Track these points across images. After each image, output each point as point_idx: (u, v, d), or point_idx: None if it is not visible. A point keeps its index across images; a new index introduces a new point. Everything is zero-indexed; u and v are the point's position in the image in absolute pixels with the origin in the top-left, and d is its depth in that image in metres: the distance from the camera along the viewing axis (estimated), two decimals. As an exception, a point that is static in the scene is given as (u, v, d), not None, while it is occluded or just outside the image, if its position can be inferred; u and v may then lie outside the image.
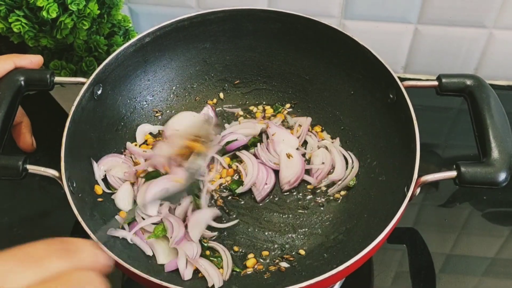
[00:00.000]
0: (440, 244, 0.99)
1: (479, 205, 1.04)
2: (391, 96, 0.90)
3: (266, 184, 0.98)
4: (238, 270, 0.89)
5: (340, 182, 0.98)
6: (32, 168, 0.79)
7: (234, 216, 0.96)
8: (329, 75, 1.03)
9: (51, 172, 0.79)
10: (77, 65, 1.03)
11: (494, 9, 1.15)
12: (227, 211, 0.96)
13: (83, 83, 0.88)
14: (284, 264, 0.90)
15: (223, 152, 1.02)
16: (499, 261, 0.97)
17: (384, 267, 0.96)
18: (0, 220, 1.03)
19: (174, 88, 1.08)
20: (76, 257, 0.47)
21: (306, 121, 1.06)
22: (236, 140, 1.02)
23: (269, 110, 1.09)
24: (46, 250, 0.46)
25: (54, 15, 0.92)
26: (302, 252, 0.91)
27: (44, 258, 0.45)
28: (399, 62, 1.28)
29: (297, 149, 1.02)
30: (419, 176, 0.78)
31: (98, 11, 0.98)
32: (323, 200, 0.97)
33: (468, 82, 0.86)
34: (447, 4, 1.14)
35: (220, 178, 1.00)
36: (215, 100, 1.10)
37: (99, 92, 0.92)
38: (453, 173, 0.78)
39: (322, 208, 0.96)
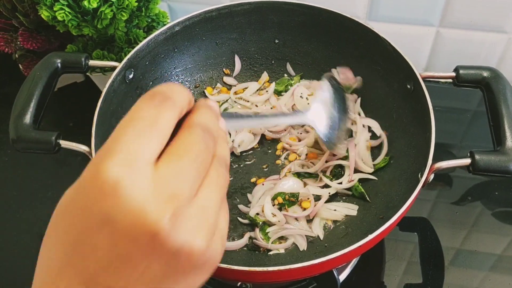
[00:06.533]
0: (451, 239, 0.90)
1: (490, 204, 0.95)
2: (409, 86, 0.82)
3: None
4: None
5: None
6: (64, 144, 0.75)
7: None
8: (350, 67, 0.93)
9: (82, 147, 0.75)
10: (117, 55, 1.00)
11: (514, 15, 1.04)
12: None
13: (115, 68, 0.83)
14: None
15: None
16: (506, 258, 0.88)
17: (396, 255, 0.87)
18: (45, 194, 0.99)
19: (201, 76, 1.00)
20: (177, 101, 0.37)
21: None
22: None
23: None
24: (152, 107, 0.36)
25: (94, 5, 0.88)
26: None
27: (157, 117, 0.35)
28: (420, 63, 1.18)
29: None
30: (433, 162, 0.70)
31: (136, 4, 0.94)
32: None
33: (485, 73, 0.77)
34: (469, 8, 1.05)
35: None
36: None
37: (131, 76, 0.86)
38: (467, 161, 0.69)
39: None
